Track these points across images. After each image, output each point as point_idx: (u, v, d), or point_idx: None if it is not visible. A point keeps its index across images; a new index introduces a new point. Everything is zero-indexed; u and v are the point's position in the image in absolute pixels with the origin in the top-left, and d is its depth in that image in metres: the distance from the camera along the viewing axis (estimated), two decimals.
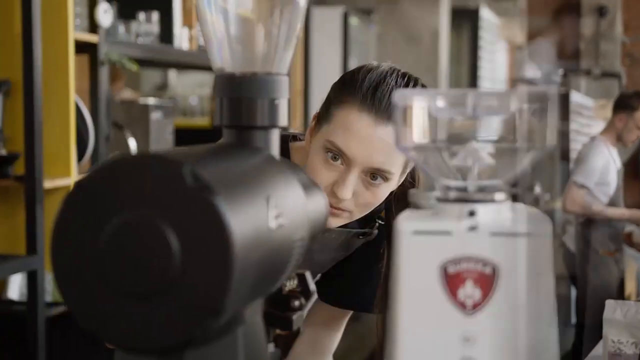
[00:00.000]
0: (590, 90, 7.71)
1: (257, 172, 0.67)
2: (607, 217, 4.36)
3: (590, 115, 7.29)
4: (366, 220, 1.39)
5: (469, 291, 0.63)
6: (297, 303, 0.82)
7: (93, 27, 2.67)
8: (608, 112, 8.33)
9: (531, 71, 5.78)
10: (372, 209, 1.30)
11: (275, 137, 0.76)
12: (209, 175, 0.58)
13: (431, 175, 0.67)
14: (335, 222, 1.29)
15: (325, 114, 1.28)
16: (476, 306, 0.63)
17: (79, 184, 0.59)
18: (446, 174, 0.67)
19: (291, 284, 0.82)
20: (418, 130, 0.66)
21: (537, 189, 6.23)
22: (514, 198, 0.67)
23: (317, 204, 0.80)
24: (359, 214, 1.29)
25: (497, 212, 0.65)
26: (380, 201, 1.29)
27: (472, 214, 0.64)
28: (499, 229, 0.63)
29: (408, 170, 1.32)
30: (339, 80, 1.30)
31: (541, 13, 10.19)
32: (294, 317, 0.81)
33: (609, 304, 1.77)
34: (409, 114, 0.66)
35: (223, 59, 0.76)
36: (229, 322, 0.62)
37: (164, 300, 0.57)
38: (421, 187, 1.41)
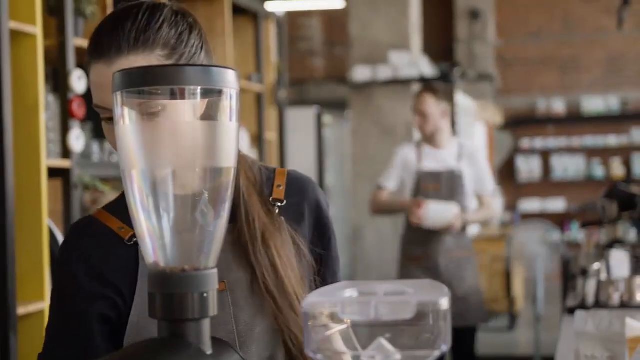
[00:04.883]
0: (467, 92, 7.80)
1: None
2: (393, 207, 4.31)
3: (474, 115, 7.42)
4: None
5: None
6: None
7: (66, 151, 2.75)
8: (487, 113, 8.39)
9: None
10: None
11: (206, 325, 0.82)
12: None
13: None
14: None
15: None
16: None
17: None
18: None
19: None
20: (326, 334, 0.72)
21: None
22: None
23: None
24: None
25: None
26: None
27: None
28: None
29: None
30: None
31: (517, 92, 10.42)
32: None
33: (579, 315, 1.62)
34: (316, 320, 0.71)
35: (156, 254, 0.83)
36: None
37: None
38: None
